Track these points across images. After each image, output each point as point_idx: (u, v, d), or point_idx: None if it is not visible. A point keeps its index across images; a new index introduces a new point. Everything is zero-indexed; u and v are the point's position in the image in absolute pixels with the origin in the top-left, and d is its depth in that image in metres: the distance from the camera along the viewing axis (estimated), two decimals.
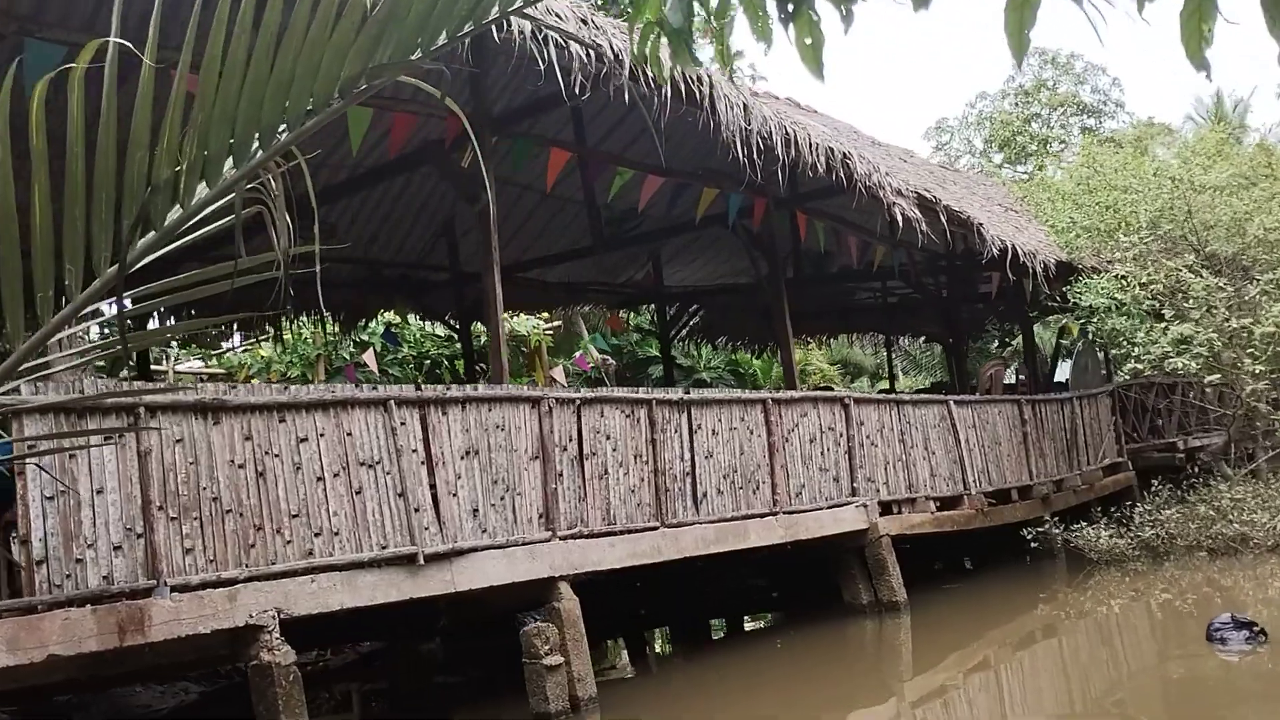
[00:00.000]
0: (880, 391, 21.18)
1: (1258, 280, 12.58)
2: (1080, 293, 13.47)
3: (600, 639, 12.62)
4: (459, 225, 14.04)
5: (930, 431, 12.78)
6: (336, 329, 15.26)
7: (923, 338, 25.13)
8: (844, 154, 10.69)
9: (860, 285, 19.08)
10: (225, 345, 17.36)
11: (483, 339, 18.47)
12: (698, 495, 9.53)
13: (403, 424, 7.27)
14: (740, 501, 9.96)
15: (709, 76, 8.87)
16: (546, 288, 16.56)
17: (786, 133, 9.87)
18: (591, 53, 7.65)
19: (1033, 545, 13.23)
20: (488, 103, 8.68)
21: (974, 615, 11.89)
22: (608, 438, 8.79)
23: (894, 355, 25.37)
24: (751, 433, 10.23)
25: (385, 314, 15.84)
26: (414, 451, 7.31)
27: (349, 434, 6.96)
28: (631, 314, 20.64)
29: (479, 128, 8.65)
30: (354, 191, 10.60)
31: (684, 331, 21.93)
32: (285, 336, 15.65)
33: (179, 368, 17.83)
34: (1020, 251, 13.50)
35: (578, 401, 8.59)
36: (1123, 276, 13.03)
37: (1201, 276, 12.79)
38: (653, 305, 20.01)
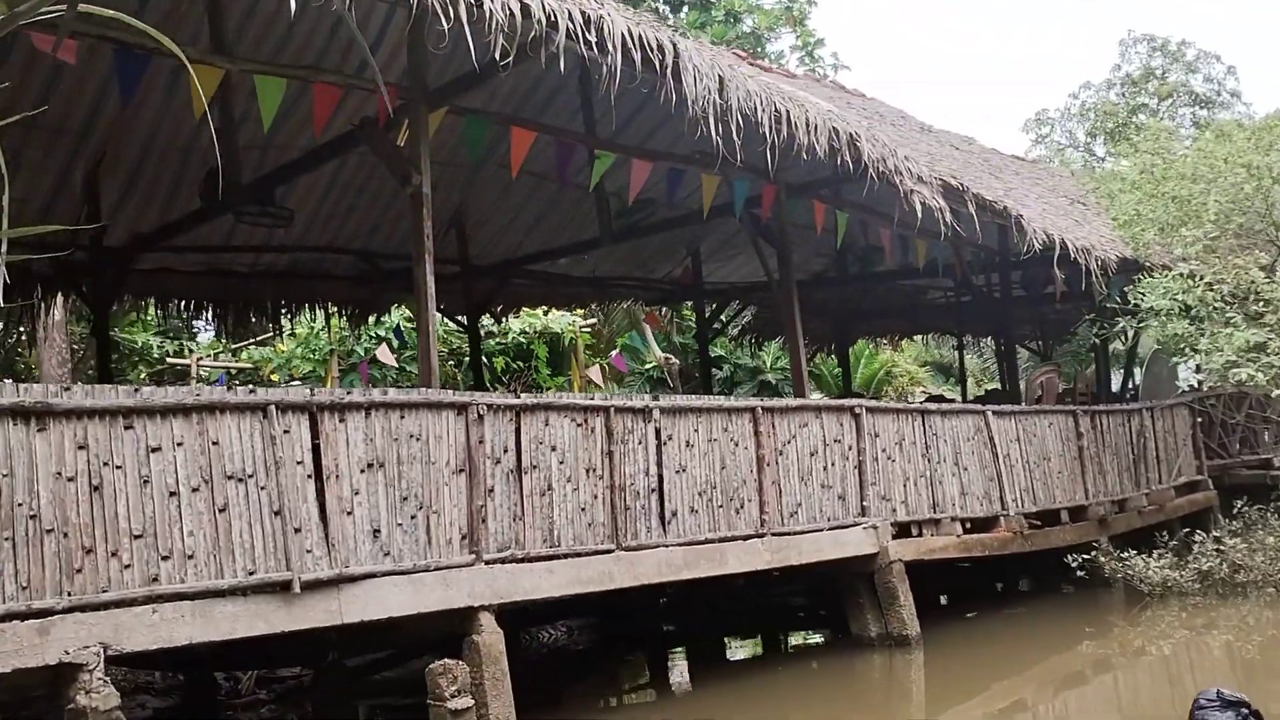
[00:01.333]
0: (927, 397, 19.78)
1: None
2: (1141, 292, 12.06)
3: (625, 655, 11.81)
4: (469, 216, 13.26)
5: (963, 445, 11.54)
6: (343, 324, 14.57)
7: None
8: (850, 135, 9.56)
9: (932, 284, 17.74)
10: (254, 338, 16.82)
11: (510, 336, 17.70)
12: (665, 514, 8.52)
13: (286, 432, 6.42)
14: (719, 522, 8.91)
15: (673, 44, 7.84)
16: (570, 282, 15.67)
17: (776, 110, 8.79)
18: (514, 11, 6.70)
19: (1079, 574, 11.87)
20: (424, 74, 7.78)
21: (1000, 652, 10.65)
22: (553, 449, 7.83)
23: (968, 356, 23.87)
24: (737, 445, 9.18)
25: (400, 309, 15.12)
26: (298, 463, 6.46)
27: (215, 442, 6.13)
28: (672, 312, 19.62)
29: (414, 102, 7.79)
30: (299, 173, 9.77)
31: (735, 330, 20.92)
32: (297, 330, 15.05)
33: (206, 363, 17.41)
34: (1071, 246, 12.15)
35: (516, 408, 7.65)
36: (1190, 275, 11.60)
37: (1276, 276, 11.31)
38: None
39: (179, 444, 6.00)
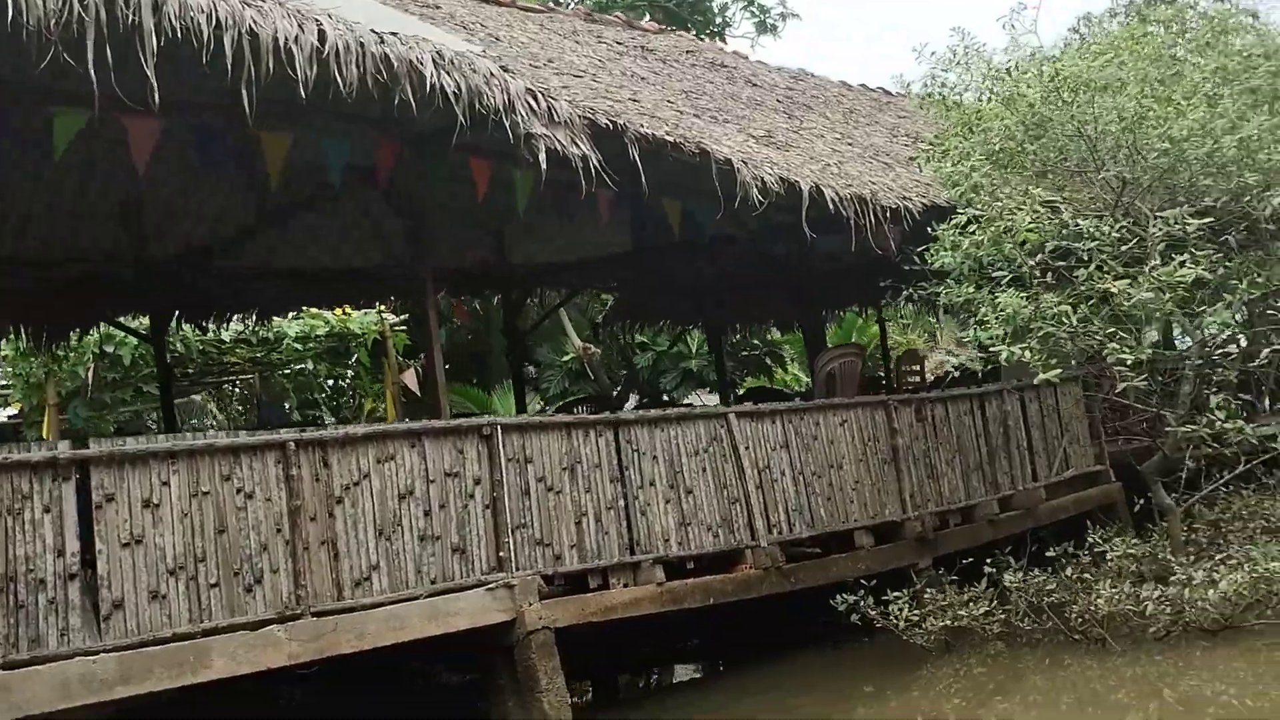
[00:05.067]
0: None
1: (1159, 221, 8.18)
2: (933, 252, 9.31)
3: None
4: (149, 207, 10.92)
5: (686, 461, 8.93)
6: (27, 345, 12.30)
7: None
8: (412, 62, 6.98)
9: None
10: None
11: (285, 342, 15.39)
12: (101, 609, 6.08)
13: None
14: (212, 607, 6.44)
15: None
16: (333, 277, 13.16)
17: (252, 30, 6.23)
18: None
19: (854, 619, 9.13)
20: None
21: None
22: None
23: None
24: (250, 497, 6.69)
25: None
26: None
27: None
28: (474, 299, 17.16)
29: None
30: None
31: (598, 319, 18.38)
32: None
33: None
34: (835, 195, 9.43)
35: None
36: (975, 220, 8.86)
37: (1092, 217, 8.52)
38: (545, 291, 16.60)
39: None
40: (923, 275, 9.73)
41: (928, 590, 9.49)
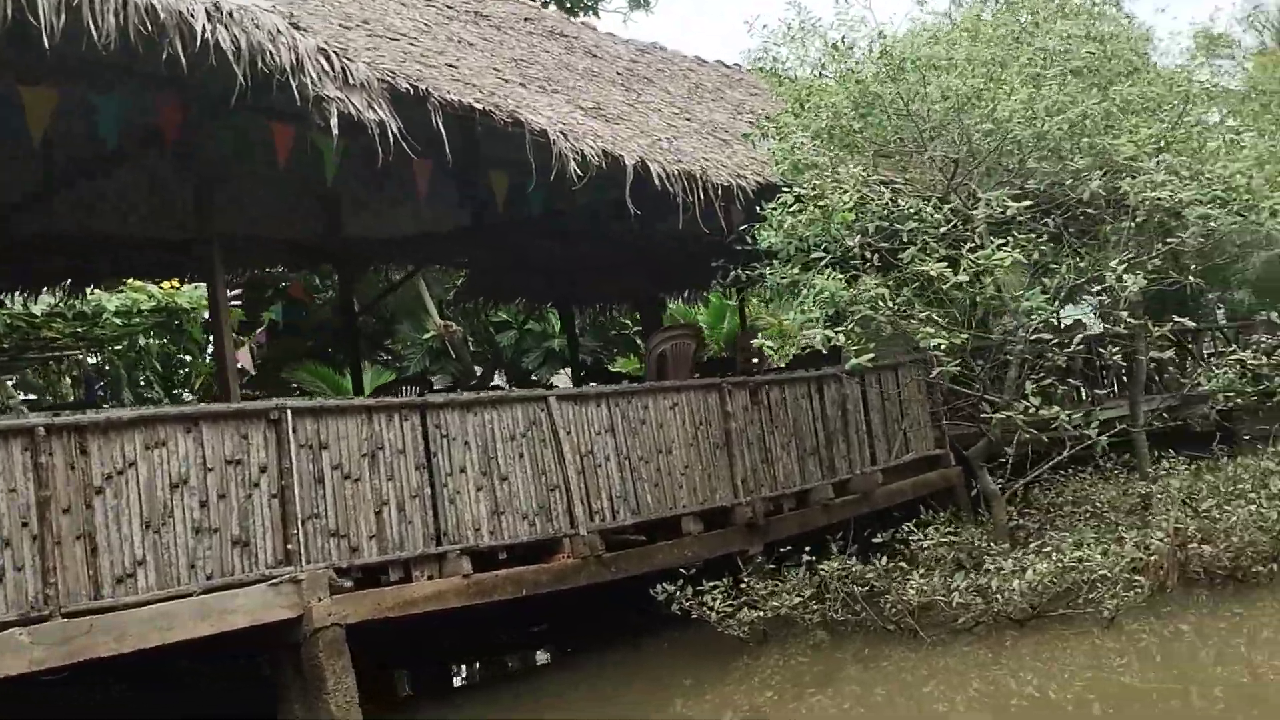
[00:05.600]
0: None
1: (984, 202, 8.04)
2: (760, 231, 9.03)
3: None
4: None
5: (501, 446, 8.52)
6: None
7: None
8: (182, 14, 6.39)
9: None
10: None
11: (104, 316, 14.54)
12: None
13: None
14: None
15: None
16: (139, 246, 12.31)
17: None
18: None
19: (674, 609, 8.84)
20: None
21: None
22: None
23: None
24: None
25: None
26: None
27: None
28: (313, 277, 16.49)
29: None
30: None
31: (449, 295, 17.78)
32: None
33: None
34: (662, 171, 9.08)
35: None
36: (800, 199, 8.60)
37: (921, 197, 8.32)
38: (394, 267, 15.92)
39: None
40: (755, 255, 9.48)
41: (747, 579, 9.23)
